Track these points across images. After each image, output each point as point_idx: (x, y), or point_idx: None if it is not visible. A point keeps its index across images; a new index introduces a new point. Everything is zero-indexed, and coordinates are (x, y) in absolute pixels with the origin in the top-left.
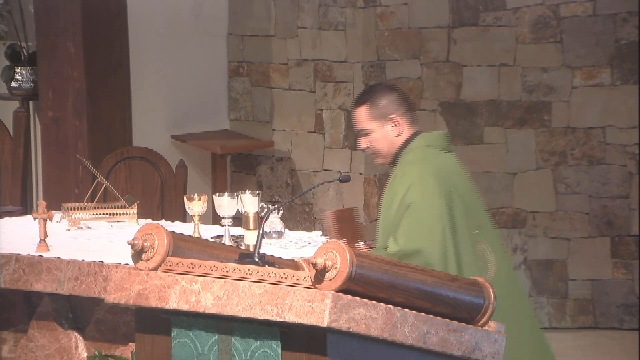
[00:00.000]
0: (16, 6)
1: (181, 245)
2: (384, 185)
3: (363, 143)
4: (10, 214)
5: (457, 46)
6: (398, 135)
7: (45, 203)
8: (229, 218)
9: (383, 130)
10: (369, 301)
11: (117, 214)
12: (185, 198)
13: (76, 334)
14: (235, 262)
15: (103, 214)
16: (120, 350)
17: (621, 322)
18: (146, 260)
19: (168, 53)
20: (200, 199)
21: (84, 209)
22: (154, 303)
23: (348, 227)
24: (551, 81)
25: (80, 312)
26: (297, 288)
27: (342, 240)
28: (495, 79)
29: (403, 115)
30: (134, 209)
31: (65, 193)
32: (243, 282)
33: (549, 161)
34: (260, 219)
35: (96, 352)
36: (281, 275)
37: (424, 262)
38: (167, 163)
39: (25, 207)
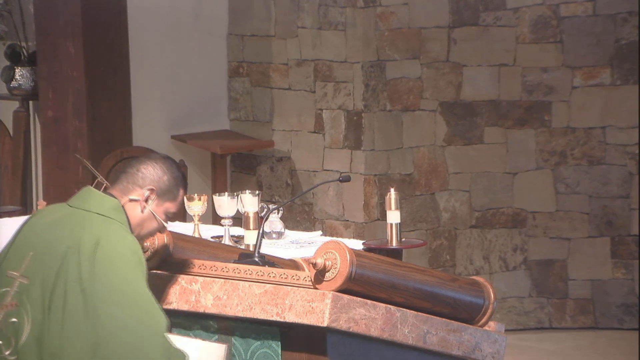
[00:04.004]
0: (16, 6)
1: (181, 245)
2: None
3: None
4: (10, 214)
5: (457, 46)
6: None
7: (45, 203)
8: (229, 218)
9: None
10: (369, 301)
11: None
12: (185, 198)
13: None
14: (235, 262)
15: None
16: None
17: (621, 322)
18: (146, 260)
19: (168, 53)
20: (200, 199)
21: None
22: None
23: None
24: (551, 81)
25: None
26: (297, 288)
27: None
28: (495, 79)
29: None
30: None
31: (65, 193)
32: (243, 282)
33: (549, 161)
34: (260, 219)
35: None
36: (281, 275)
37: None
38: None
39: (25, 207)
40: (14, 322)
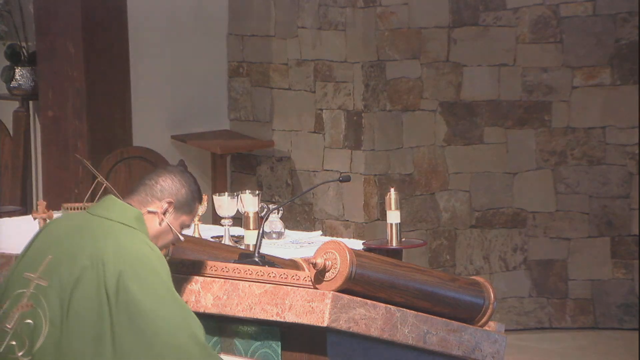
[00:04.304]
0: (16, 6)
1: (181, 245)
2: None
3: None
4: (10, 214)
5: (457, 46)
6: None
7: (45, 203)
8: (229, 218)
9: None
10: (369, 301)
11: None
12: None
13: None
14: (235, 262)
15: None
16: None
17: (621, 322)
18: None
19: (168, 53)
20: None
21: (84, 209)
22: None
23: None
24: (551, 81)
25: None
26: (297, 288)
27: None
28: (495, 79)
29: None
30: None
31: (65, 193)
32: (243, 282)
33: (549, 161)
34: (260, 219)
35: None
36: (281, 275)
37: None
38: (167, 163)
39: (25, 207)
40: (29, 323)
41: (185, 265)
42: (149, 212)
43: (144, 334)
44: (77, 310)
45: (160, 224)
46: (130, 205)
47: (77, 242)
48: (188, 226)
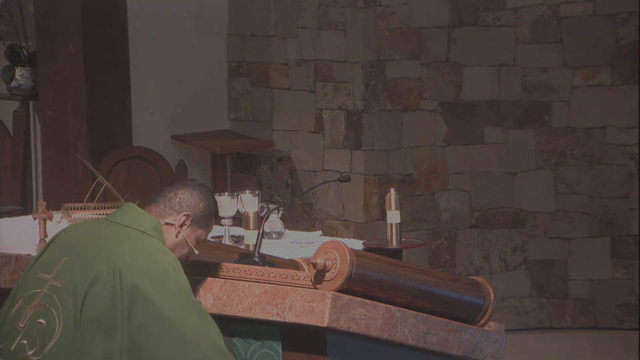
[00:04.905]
0: (16, 6)
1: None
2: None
3: None
4: (10, 214)
5: (457, 46)
6: None
7: (45, 203)
8: (229, 218)
9: None
10: (369, 301)
11: None
12: None
13: None
14: (235, 262)
15: (103, 214)
16: None
17: (621, 322)
18: None
19: (168, 53)
20: None
21: (84, 209)
22: None
23: None
24: (551, 81)
25: None
26: (297, 288)
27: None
28: (495, 79)
29: None
30: None
31: (65, 193)
32: (243, 282)
33: (549, 161)
34: (260, 219)
35: None
36: (281, 275)
37: None
38: (167, 163)
39: (25, 207)
40: (41, 323)
41: (185, 266)
42: (167, 224)
43: (162, 340)
44: (90, 314)
45: (176, 236)
46: (149, 214)
47: (94, 246)
48: (204, 240)
